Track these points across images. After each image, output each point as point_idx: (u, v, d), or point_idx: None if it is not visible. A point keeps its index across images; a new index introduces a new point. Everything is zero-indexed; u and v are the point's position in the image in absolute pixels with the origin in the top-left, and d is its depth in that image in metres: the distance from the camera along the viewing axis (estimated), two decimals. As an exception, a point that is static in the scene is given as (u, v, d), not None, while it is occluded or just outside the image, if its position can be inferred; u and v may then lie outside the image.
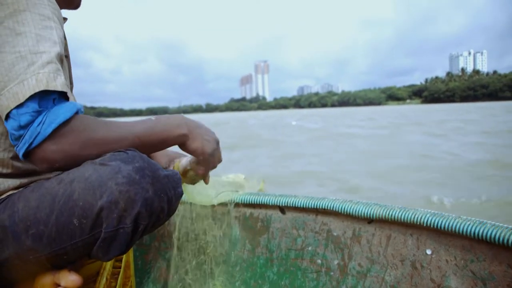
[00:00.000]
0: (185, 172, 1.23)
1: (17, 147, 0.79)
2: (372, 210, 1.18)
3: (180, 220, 1.54)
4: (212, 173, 1.27)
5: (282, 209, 1.40)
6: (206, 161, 1.13)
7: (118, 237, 0.80)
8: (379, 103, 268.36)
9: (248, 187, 1.59)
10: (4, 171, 0.88)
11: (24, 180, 0.90)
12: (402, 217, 1.12)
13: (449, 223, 1.03)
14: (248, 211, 1.48)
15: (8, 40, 0.78)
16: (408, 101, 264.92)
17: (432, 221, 1.06)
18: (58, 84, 0.80)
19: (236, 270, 1.48)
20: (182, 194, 0.94)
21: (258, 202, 1.43)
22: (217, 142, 1.13)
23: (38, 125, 0.77)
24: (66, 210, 0.78)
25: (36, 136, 0.77)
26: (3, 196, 0.87)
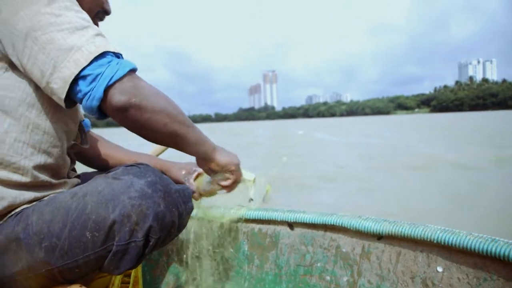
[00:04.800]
0: (208, 184, 1.27)
1: (94, 88, 0.81)
2: (381, 226, 1.17)
3: (189, 235, 1.53)
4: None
5: (291, 225, 1.39)
6: (237, 173, 1.20)
7: (130, 251, 0.81)
8: (387, 113, 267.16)
9: (256, 187, 1.60)
10: (23, 179, 0.87)
11: (38, 195, 0.90)
12: (412, 233, 1.10)
13: (460, 240, 1.01)
14: (256, 227, 1.47)
15: (51, 21, 0.80)
16: (416, 110, 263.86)
17: (443, 237, 1.04)
18: (112, 47, 0.85)
19: (245, 286, 1.47)
20: (192, 208, 0.96)
21: (266, 218, 1.42)
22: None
23: (117, 64, 0.83)
24: (79, 223, 0.80)
25: (116, 71, 0.82)
26: (17, 210, 0.87)
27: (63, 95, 0.81)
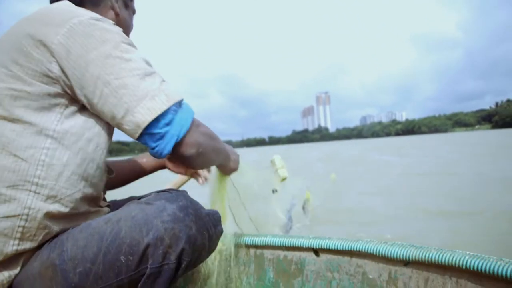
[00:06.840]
0: None
1: (162, 144, 0.90)
2: (408, 252, 1.11)
3: (213, 262, 1.52)
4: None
5: (316, 251, 1.35)
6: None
7: (163, 273, 0.84)
8: (445, 131, 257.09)
9: (286, 185, 1.64)
10: (70, 212, 0.90)
11: (74, 224, 0.93)
12: (440, 259, 1.04)
13: (490, 266, 0.94)
14: (282, 253, 1.44)
15: (122, 66, 0.86)
16: (477, 127, 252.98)
17: (472, 263, 0.97)
18: (178, 95, 0.93)
19: None
20: (222, 232, 1.01)
21: (291, 245, 1.39)
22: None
23: (180, 120, 0.91)
24: (113, 247, 0.82)
25: (181, 129, 0.91)
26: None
27: (136, 136, 0.89)
